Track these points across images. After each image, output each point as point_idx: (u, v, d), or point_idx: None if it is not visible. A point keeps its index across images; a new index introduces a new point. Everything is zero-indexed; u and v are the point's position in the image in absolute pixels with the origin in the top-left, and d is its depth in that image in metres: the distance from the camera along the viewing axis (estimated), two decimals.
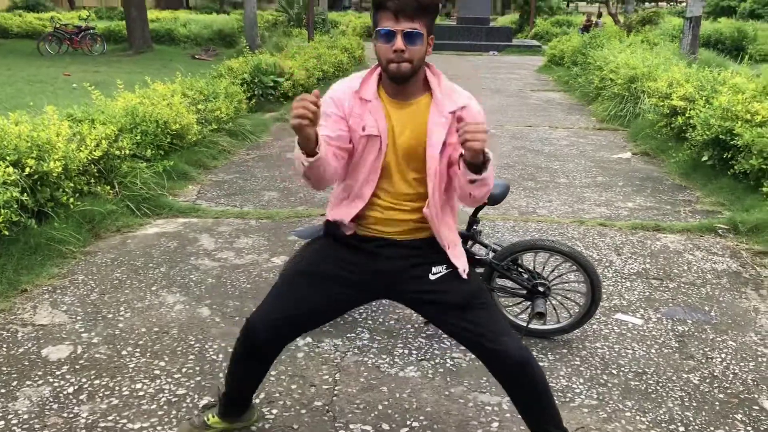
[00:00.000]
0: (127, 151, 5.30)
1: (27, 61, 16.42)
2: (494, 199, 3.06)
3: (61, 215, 4.39)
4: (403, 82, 2.03)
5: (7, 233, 3.77)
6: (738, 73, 6.76)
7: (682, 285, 4.00)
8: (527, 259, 3.36)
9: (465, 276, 2.16)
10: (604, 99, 9.91)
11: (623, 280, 4.03)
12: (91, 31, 19.88)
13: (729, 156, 5.71)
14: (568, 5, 46.69)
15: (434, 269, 2.15)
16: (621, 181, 6.28)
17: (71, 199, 4.42)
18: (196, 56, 19.50)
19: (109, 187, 5.03)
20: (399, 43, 1.94)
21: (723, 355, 3.20)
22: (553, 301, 3.28)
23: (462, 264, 2.17)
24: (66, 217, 4.42)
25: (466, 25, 23.62)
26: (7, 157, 4.05)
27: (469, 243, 3.20)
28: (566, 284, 3.35)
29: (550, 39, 27.47)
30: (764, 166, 5.14)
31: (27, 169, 4.08)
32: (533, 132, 8.68)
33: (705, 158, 6.03)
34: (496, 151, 7.14)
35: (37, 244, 4.04)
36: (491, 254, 3.20)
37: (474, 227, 3.18)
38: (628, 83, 9.14)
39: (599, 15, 27.89)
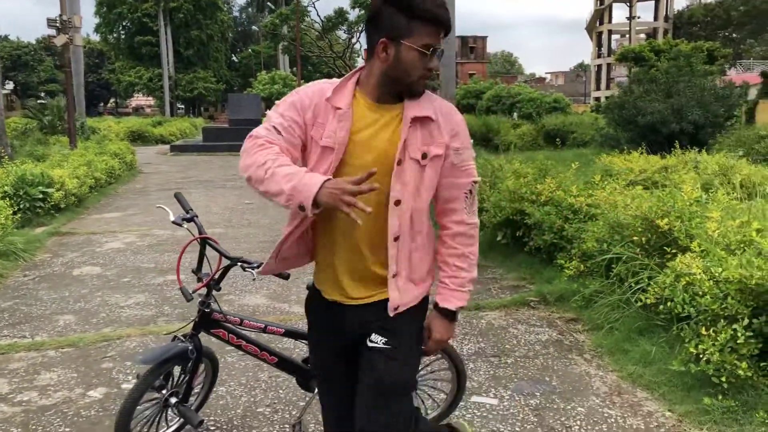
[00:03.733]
0: None
1: None
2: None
3: None
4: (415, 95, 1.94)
5: None
6: (517, 160, 7.53)
7: (519, 359, 4.18)
8: None
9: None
10: None
11: (466, 362, 4.10)
12: None
13: (521, 234, 6.24)
14: None
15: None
16: None
17: None
18: None
19: None
20: (436, 62, 1.85)
21: (579, 423, 3.34)
22: (421, 393, 3.21)
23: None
24: None
25: (237, 126, 23.80)
26: None
27: None
28: (433, 373, 3.30)
29: None
30: (555, 241, 5.69)
31: None
32: None
33: (499, 238, 6.53)
34: None
35: None
36: None
37: None
38: None
39: None
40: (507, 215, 6.29)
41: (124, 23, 56.27)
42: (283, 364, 3.04)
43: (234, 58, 71.51)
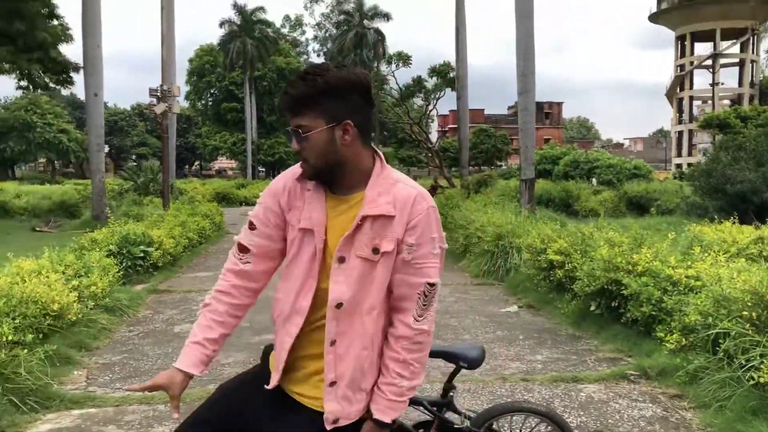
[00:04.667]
0: (10, 337, 4.67)
1: None
2: (473, 363, 3.00)
3: None
4: (317, 179, 1.84)
5: None
6: (609, 228, 7.47)
7: None
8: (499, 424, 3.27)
9: None
10: (474, 255, 10.45)
11: None
12: None
13: (617, 305, 6.13)
14: (408, 171, 50.28)
15: None
16: (521, 335, 6.49)
17: None
18: (38, 228, 18.31)
19: None
20: (293, 143, 1.81)
21: None
22: None
23: None
24: None
25: None
26: None
27: (444, 410, 3.08)
28: None
29: None
30: (653, 313, 5.57)
31: None
32: None
33: (593, 308, 6.43)
34: None
35: None
36: (467, 422, 3.08)
37: (450, 394, 3.07)
38: (496, 240, 9.77)
39: (436, 180, 30.08)
40: (601, 285, 6.21)
41: (212, 91, 59.49)
42: (395, 428, 3.09)
43: None
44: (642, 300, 5.66)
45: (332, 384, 1.83)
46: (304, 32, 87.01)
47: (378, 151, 1.88)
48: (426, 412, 3.06)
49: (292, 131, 1.78)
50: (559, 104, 77.26)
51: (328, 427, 1.85)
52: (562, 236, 7.77)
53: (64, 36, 19.08)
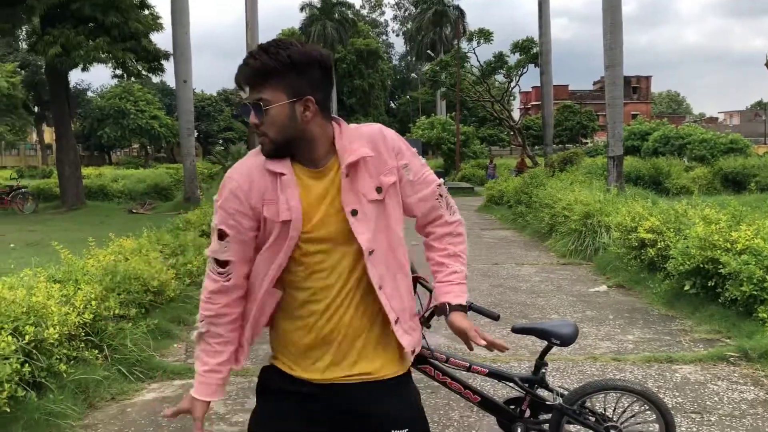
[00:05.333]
0: (117, 311, 4.96)
1: None
2: (566, 341, 2.97)
3: (54, 386, 3.97)
4: (279, 155, 1.75)
5: (8, 410, 3.35)
6: (707, 205, 7.16)
7: (723, 418, 3.93)
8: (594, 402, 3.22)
9: None
10: (560, 235, 10.25)
11: None
12: (23, 190, 19.42)
13: (713, 284, 5.89)
14: (490, 150, 49.75)
15: None
16: (611, 315, 6.34)
17: (65, 367, 4.03)
18: (133, 210, 19.24)
19: (97, 352, 4.63)
20: (252, 117, 1.72)
21: None
22: None
23: None
24: (60, 387, 4.00)
25: None
26: (5, 326, 3.69)
27: (536, 387, 3.07)
28: (638, 425, 3.21)
29: (476, 181, 28.92)
30: (755, 293, 5.32)
31: (26, 337, 3.72)
32: (501, 269, 8.80)
33: (687, 287, 6.19)
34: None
35: (37, 420, 3.60)
36: (559, 399, 3.06)
37: (542, 370, 3.06)
38: (584, 219, 9.54)
39: (522, 158, 29.58)
40: (696, 264, 5.98)
41: None
42: (486, 403, 3.09)
43: (392, 104, 74.09)
44: (742, 279, 5.41)
45: (396, 322, 1.84)
46: (383, 12, 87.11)
47: (337, 118, 1.85)
48: (517, 388, 3.06)
49: (251, 104, 1.72)
50: (647, 78, 74.10)
51: (411, 360, 1.91)
52: (654, 214, 7.51)
53: (155, 25, 19.79)
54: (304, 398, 1.83)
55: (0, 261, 8.16)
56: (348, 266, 1.78)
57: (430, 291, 2.96)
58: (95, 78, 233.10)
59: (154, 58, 20.00)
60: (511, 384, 3.10)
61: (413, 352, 1.90)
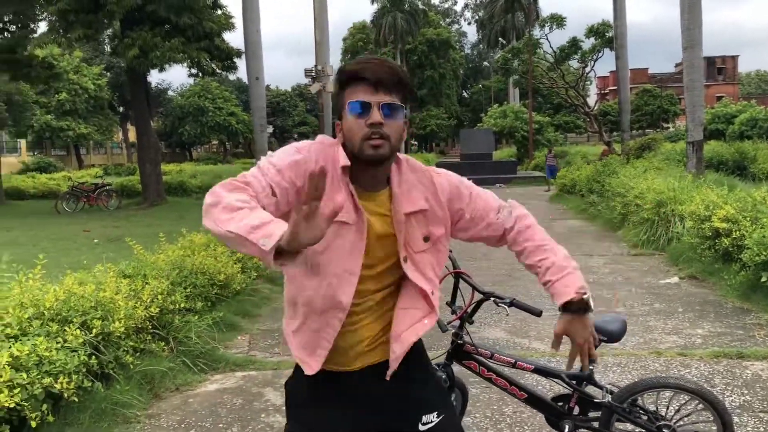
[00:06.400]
0: (183, 305, 5.16)
1: (46, 220, 16.68)
2: (613, 337, 2.89)
3: (121, 376, 4.17)
4: (379, 165, 1.70)
5: (76, 399, 3.55)
6: None
7: None
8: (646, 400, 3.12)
9: None
10: (633, 224, 9.93)
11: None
12: (107, 187, 20.38)
13: None
14: (566, 138, 48.61)
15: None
16: (680, 307, 6.10)
17: (131, 359, 4.23)
18: None
19: (163, 344, 4.83)
20: (376, 114, 1.63)
21: None
22: None
23: None
24: (127, 378, 4.20)
25: (470, 161, 24.35)
26: (75, 319, 3.91)
27: (584, 384, 3.00)
28: (694, 425, 3.09)
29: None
30: None
31: (94, 330, 3.92)
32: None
33: (764, 279, 5.89)
34: None
35: (104, 410, 3.80)
36: (609, 396, 2.98)
37: (590, 367, 2.98)
38: (657, 207, 9.20)
39: (609, 143, 28.71)
40: None
41: None
42: (533, 400, 3.05)
43: (464, 93, 73.44)
44: None
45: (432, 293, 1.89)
46: (455, 2, 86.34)
47: (398, 156, 1.82)
48: (564, 385, 3.00)
49: (389, 104, 1.66)
50: (734, 58, 70.51)
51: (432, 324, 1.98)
52: (729, 202, 7.16)
53: (227, 24, 20.32)
54: (341, 392, 1.83)
55: (84, 256, 8.61)
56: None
57: (472, 286, 2.95)
58: (175, 78, 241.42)
59: (227, 57, 20.54)
60: (557, 381, 3.05)
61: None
